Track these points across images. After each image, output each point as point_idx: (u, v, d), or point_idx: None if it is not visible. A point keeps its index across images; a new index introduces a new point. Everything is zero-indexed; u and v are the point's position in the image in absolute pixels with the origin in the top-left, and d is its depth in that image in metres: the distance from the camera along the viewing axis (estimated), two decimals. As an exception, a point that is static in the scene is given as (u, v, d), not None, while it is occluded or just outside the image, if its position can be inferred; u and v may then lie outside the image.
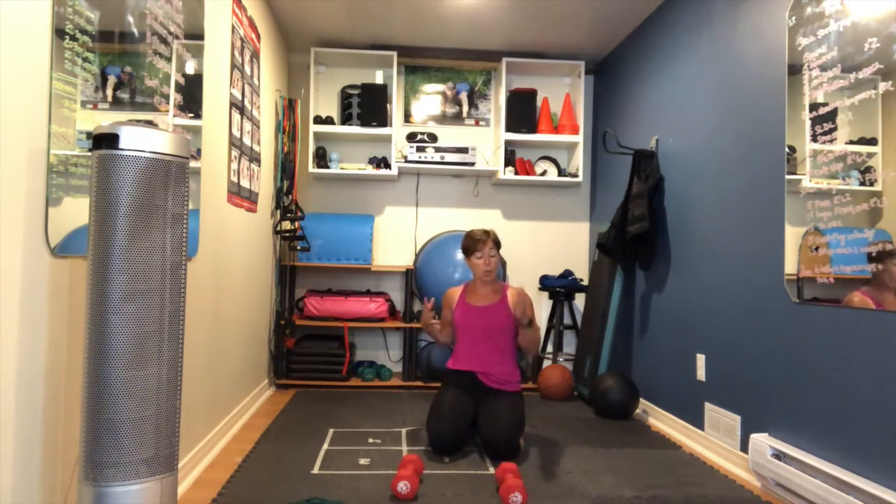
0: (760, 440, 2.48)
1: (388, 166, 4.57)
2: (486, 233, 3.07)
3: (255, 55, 3.52)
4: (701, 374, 3.08)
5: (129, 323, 1.47)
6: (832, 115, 2.23)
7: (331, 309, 4.32)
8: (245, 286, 3.38)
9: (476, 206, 4.87)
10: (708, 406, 3.01)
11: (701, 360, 3.08)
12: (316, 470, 2.60)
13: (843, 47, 2.18)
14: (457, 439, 2.83)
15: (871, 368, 2.04)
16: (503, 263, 4.71)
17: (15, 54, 1.44)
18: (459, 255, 4.40)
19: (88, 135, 1.72)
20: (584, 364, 4.11)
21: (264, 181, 3.83)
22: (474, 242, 3.06)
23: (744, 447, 2.71)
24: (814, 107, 2.33)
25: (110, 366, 1.46)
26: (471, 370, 3.02)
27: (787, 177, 2.47)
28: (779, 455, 2.39)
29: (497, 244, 3.09)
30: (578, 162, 4.59)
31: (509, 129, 4.54)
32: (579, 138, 4.58)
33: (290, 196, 4.21)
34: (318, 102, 4.71)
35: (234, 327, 3.18)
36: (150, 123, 1.66)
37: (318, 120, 4.48)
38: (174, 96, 2.31)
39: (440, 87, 4.84)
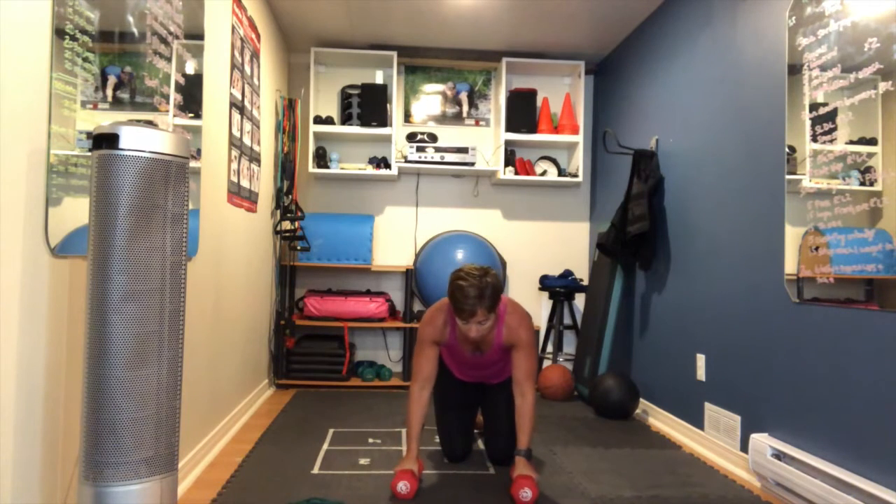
0: (760, 440, 2.48)
1: (388, 166, 4.57)
2: (479, 296, 2.26)
3: (255, 55, 3.52)
4: (701, 374, 3.08)
5: (129, 323, 1.47)
6: (832, 115, 2.23)
7: (331, 309, 4.32)
8: (245, 286, 3.38)
9: (476, 206, 4.87)
10: (708, 406, 3.01)
11: (701, 360, 3.08)
12: (316, 470, 2.60)
13: (843, 47, 2.18)
14: (469, 446, 2.82)
15: (870, 368, 2.04)
16: (503, 263, 4.71)
17: (15, 54, 1.44)
18: (460, 255, 4.40)
19: (88, 135, 1.72)
20: (584, 364, 4.11)
21: (264, 181, 3.83)
22: (461, 309, 2.29)
23: (744, 447, 2.71)
24: (814, 107, 2.33)
25: (110, 366, 1.46)
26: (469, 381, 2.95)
27: (787, 177, 2.47)
28: (779, 455, 2.39)
29: (492, 307, 2.31)
30: (578, 162, 4.58)
31: (509, 129, 4.54)
32: (579, 138, 4.58)
33: (290, 196, 4.21)
34: (318, 102, 4.71)
35: (234, 327, 3.18)
36: (150, 123, 1.66)
37: (318, 120, 4.48)
38: (174, 96, 2.31)
39: (440, 87, 4.84)
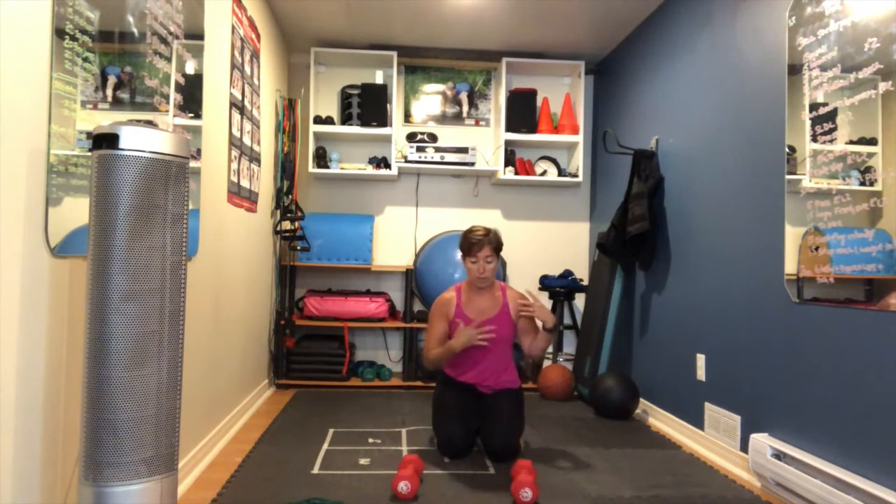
0: (760, 440, 2.48)
1: (388, 166, 4.57)
2: (486, 234, 2.88)
3: (255, 55, 3.52)
4: (701, 374, 3.08)
5: (129, 323, 1.47)
6: (832, 115, 2.23)
7: (331, 309, 4.32)
8: (245, 286, 3.38)
9: (476, 206, 4.87)
10: (708, 406, 3.01)
11: (701, 360, 3.08)
12: (316, 470, 2.60)
13: (843, 47, 2.18)
14: (468, 443, 2.82)
15: (871, 368, 2.04)
16: (503, 264, 4.71)
17: (15, 54, 1.44)
18: (460, 255, 4.40)
19: (88, 135, 1.72)
20: (584, 364, 4.11)
21: (264, 181, 3.83)
22: (470, 245, 2.89)
23: (744, 447, 2.71)
24: (814, 107, 2.33)
25: (110, 366, 1.46)
26: (471, 383, 2.98)
27: (787, 177, 2.47)
28: (779, 455, 2.39)
29: (497, 248, 2.91)
30: (578, 162, 4.58)
31: (509, 129, 4.54)
32: (579, 138, 4.58)
33: (290, 196, 4.21)
34: (318, 102, 4.71)
35: (234, 327, 3.18)
36: (150, 123, 1.66)
37: (318, 120, 4.48)
38: (174, 96, 2.31)
39: (440, 87, 4.84)
